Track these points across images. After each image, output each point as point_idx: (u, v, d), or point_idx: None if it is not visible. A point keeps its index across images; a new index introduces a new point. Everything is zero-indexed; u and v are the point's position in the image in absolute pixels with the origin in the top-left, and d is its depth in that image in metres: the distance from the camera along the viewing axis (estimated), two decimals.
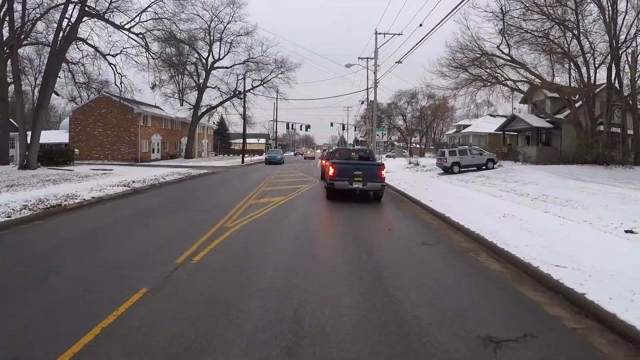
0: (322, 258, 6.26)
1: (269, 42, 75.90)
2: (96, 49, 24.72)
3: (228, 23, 43.96)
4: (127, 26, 24.95)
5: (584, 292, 4.49)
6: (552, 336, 3.76)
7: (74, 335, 3.48)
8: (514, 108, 41.99)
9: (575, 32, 23.27)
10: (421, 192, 14.82)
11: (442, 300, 4.51)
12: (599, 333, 3.87)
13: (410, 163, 33.65)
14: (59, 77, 24.33)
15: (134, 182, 16.64)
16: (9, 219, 8.50)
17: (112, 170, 23.78)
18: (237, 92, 46.43)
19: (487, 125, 44.69)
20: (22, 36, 23.00)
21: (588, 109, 24.09)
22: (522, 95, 29.74)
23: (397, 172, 26.22)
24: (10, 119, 27.92)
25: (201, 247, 6.49)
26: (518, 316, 4.20)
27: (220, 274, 5.29)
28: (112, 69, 25.49)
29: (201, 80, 46.83)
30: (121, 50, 25.54)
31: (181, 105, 48.88)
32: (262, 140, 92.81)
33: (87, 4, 22.82)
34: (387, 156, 51.57)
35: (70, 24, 22.58)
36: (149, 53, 26.23)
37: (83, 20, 23.30)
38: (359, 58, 35.91)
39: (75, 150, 33.35)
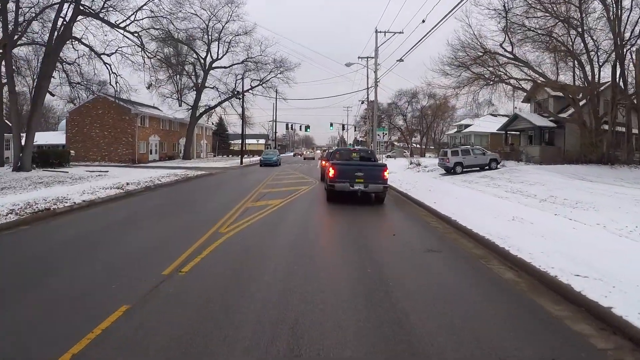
0: (324, 274, 5.46)
1: (268, 41, 75.38)
2: (91, 48, 24.33)
3: (226, 22, 43.71)
4: (122, 25, 24.54)
5: (610, 305, 4.11)
6: None
7: None
8: (515, 107, 41.56)
9: (579, 29, 22.96)
10: (424, 193, 14.40)
11: (454, 322, 4.02)
12: (631, 353, 3.49)
13: (411, 163, 33.20)
14: (53, 77, 23.89)
15: (128, 184, 16.24)
16: None
17: (107, 172, 23.38)
18: (235, 92, 46.05)
19: (489, 124, 44.34)
20: (16, 37, 22.58)
21: (592, 107, 23.74)
22: (525, 94, 29.34)
23: (398, 172, 25.88)
24: (6, 120, 27.52)
25: (189, 259, 5.91)
26: (540, 335, 3.79)
27: (209, 290, 4.78)
28: (107, 68, 25.11)
29: (199, 81, 46.48)
30: (116, 50, 25.13)
31: (179, 105, 48.43)
32: (262, 141, 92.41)
33: (82, 2, 22.40)
34: (387, 156, 51.22)
35: (65, 23, 22.17)
36: (144, 52, 25.79)
37: (78, 19, 22.90)
38: (359, 57, 35.47)
39: (71, 151, 32.95)
